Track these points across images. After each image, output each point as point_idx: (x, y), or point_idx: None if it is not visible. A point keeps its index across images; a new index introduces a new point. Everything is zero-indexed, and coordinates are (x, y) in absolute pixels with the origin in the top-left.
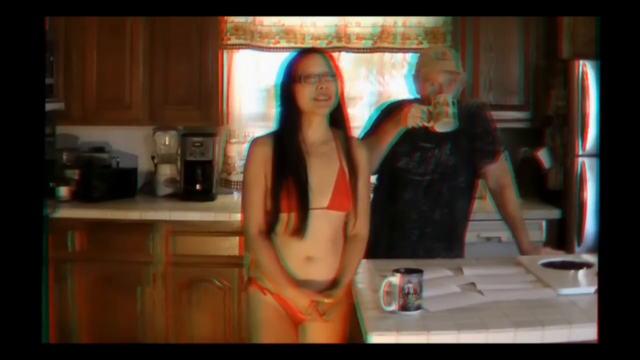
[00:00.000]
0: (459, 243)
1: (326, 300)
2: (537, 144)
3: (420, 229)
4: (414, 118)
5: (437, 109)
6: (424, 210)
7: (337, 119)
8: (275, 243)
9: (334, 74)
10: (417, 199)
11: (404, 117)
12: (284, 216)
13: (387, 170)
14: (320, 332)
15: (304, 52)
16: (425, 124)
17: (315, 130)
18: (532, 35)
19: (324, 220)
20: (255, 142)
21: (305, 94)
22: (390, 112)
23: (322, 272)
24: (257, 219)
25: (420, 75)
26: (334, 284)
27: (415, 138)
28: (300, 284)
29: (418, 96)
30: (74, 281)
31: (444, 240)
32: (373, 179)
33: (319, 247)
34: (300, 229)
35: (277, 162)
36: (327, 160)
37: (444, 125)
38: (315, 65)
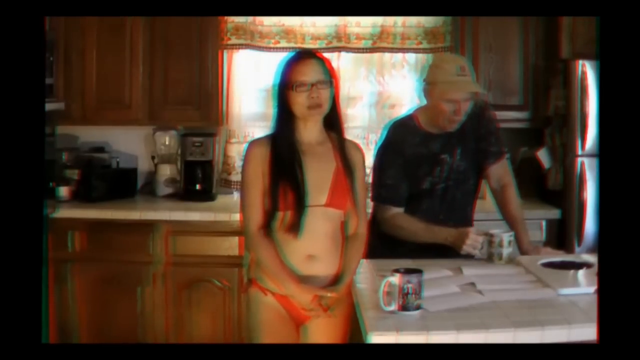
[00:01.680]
0: None
1: (329, 294)
2: (537, 144)
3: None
4: (471, 249)
5: (493, 249)
6: (441, 219)
7: (332, 121)
8: (276, 241)
9: (329, 80)
10: (434, 207)
11: (460, 244)
12: (279, 214)
13: (411, 191)
14: (322, 332)
15: (299, 57)
16: (479, 254)
17: (310, 132)
18: (532, 35)
19: (322, 218)
20: (253, 143)
21: (297, 102)
22: (399, 134)
23: (323, 269)
24: (257, 218)
25: (437, 88)
26: (335, 280)
27: (432, 155)
28: (302, 280)
29: (426, 102)
30: (74, 281)
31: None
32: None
33: (318, 244)
34: (295, 226)
35: (275, 162)
36: (323, 160)
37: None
38: (308, 73)
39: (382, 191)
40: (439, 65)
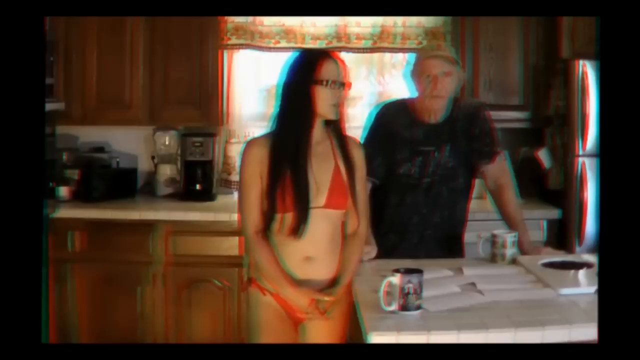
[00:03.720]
0: (459, 244)
1: (326, 299)
2: (537, 144)
3: (421, 231)
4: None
5: (496, 250)
6: (425, 213)
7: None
8: (274, 243)
9: (344, 83)
10: (418, 202)
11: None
12: (278, 216)
13: (388, 177)
14: (321, 332)
15: (327, 55)
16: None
17: (315, 131)
18: (532, 35)
19: (322, 219)
20: (251, 143)
21: (323, 98)
22: (389, 111)
23: (321, 271)
24: (255, 219)
25: (416, 69)
26: (333, 282)
27: (415, 143)
28: (300, 283)
29: (417, 94)
30: (74, 281)
31: (443, 241)
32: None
33: (317, 246)
34: (298, 228)
35: (277, 162)
36: (322, 160)
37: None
38: (339, 73)
39: None
40: (420, 47)
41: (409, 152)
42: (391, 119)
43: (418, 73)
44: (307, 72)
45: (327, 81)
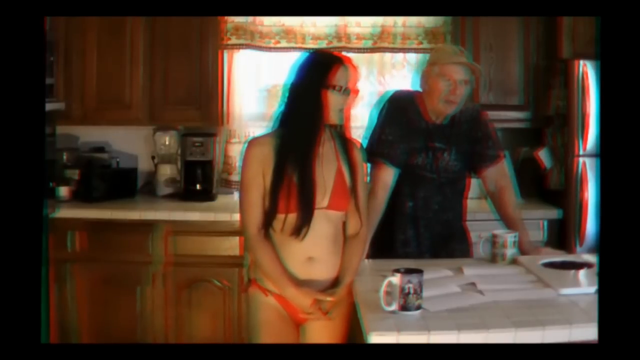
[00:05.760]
0: (465, 242)
1: (328, 299)
2: (537, 144)
3: (432, 227)
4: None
5: (496, 249)
6: (437, 209)
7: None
8: (275, 243)
9: (353, 90)
10: (431, 196)
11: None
12: (280, 217)
13: (403, 167)
14: (322, 332)
15: (339, 62)
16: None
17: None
18: (532, 35)
19: (324, 220)
20: (253, 142)
21: (334, 103)
22: (402, 99)
23: (323, 272)
24: (256, 219)
25: (434, 70)
26: (335, 283)
27: (427, 137)
28: (302, 283)
29: (426, 92)
30: (74, 281)
31: (453, 239)
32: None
33: (320, 247)
34: (300, 229)
35: (281, 163)
36: (326, 161)
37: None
38: (352, 80)
39: (379, 147)
40: (441, 48)
41: (422, 144)
42: (404, 105)
43: (437, 75)
44: (321, 75)
45: (340, 87)
